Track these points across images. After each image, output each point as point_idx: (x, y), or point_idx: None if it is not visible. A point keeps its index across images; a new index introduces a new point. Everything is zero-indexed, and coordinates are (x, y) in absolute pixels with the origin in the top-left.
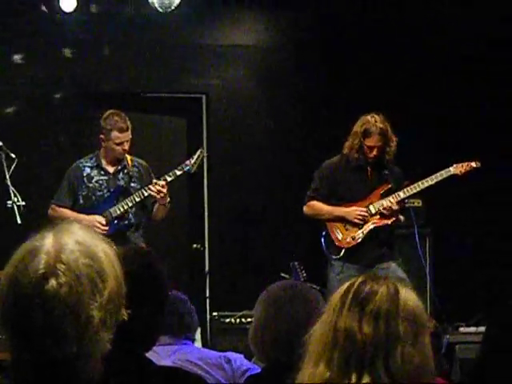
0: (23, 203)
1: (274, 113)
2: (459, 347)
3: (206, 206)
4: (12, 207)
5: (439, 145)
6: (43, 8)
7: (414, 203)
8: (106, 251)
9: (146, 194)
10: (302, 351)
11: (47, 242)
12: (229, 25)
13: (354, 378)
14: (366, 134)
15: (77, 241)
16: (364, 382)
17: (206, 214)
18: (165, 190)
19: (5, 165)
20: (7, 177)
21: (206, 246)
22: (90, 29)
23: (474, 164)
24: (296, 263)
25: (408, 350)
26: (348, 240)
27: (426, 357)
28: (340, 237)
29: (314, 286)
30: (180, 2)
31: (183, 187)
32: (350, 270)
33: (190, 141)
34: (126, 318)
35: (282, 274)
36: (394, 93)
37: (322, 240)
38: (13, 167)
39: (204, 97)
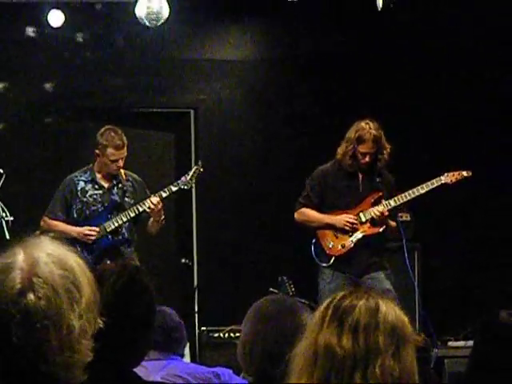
0: (12, 218)
1: (262, 127)
2: (448, 361)
3: (194, 220)
4: (1, 222)
5: (431, 152)
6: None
7: (402, 217)
8: (77, 261)
9: (140, 210)
10: (287, 367)
11: (19, 258)
12: (216, 40)
13: None
14: (360, 140)
15: (48, 253)
16: None
17: (195, 228)
18: (159, 206)
19: None
20: None
21: (195, 260)
22: (78, 44)
23: (465, 173)
24: (284, 278)
25: (388, 363)
26: (338, 248)
27: (408, 369)
28: (330, 244)
29: (303, 301)
30: (168, 17)
31: (171, 201)
32: (339, 278)
33: (178, 156)
34: (101, 326)
35: (271, 289)
36: (384, 105)
37: (312, 247)
38: (1, 182)
39: (192, 112)
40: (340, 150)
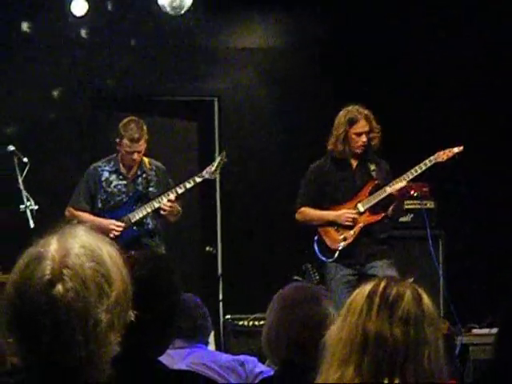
0: (36, 207)
1: (285, 115)
2: (472, 349)
3: (218, 208)
4: (25, 211)
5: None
6: None
7: (426, 204)
8: (110, 254)
9: (165, 200)
10: (320, 354)
11: (52, 247)
12: (240, 27)
13: (385, 383)
14: (352, 121)
15: (81, 245)
16: None
17: (219, 216)
18: (172, 206)
19: (17, 169)
20: (20, 181)
21: (219, 248)
22: (102, 33)
23: (456, 149)
24: (309, 265)
25: (432, 354)
26: (340, 242)
27: (443, 360)
28: (332, 239)
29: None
30: (191, 6)
31: (195, 190)
32: (343, 270)
33: (201, 144)
34: (133, 319)
35: (295, 277)
36: (408, 93)
37: (315, 245)
38: (25, 171)
39: (216, 100)
40: (330, 141)
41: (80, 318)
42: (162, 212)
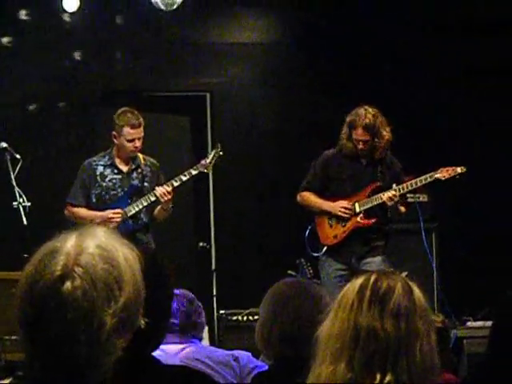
0: (29, 204)
1: (278, 110)
2: (467, 342)
3: (211, 204)
4: (18, 208)
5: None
6: None
7: (419, 198)
8: (127, 257)
9: (157, 195)
10: (312, 349)
11: (69, 243)
12: (232, 22)
13: (378, 377)
14: (352, 126)
15: (98, 245)
16: (387, 380)
17: (212, 212)
18: (170, 196)
19: (10, 166)
20: (13, 178)
21: (213, 244)
22: (93, 29)
23: (459, 169)
24: (303, 260)
25: (424, 347)
26: (330, 238)
27: (436, 353)
28: (324, 234)
29: (320, 283)
30: (183, 1)
31: (189, 185)
32: (336, 264)
33: (194, 139)
34: (142, 326)
35: (289, 271)
36: (400, 92)
37: (307, 234)
38: (18, 168)
39: (208, 95)
40: (341, 134)
41: (85, 318)
42: (160, 199)
